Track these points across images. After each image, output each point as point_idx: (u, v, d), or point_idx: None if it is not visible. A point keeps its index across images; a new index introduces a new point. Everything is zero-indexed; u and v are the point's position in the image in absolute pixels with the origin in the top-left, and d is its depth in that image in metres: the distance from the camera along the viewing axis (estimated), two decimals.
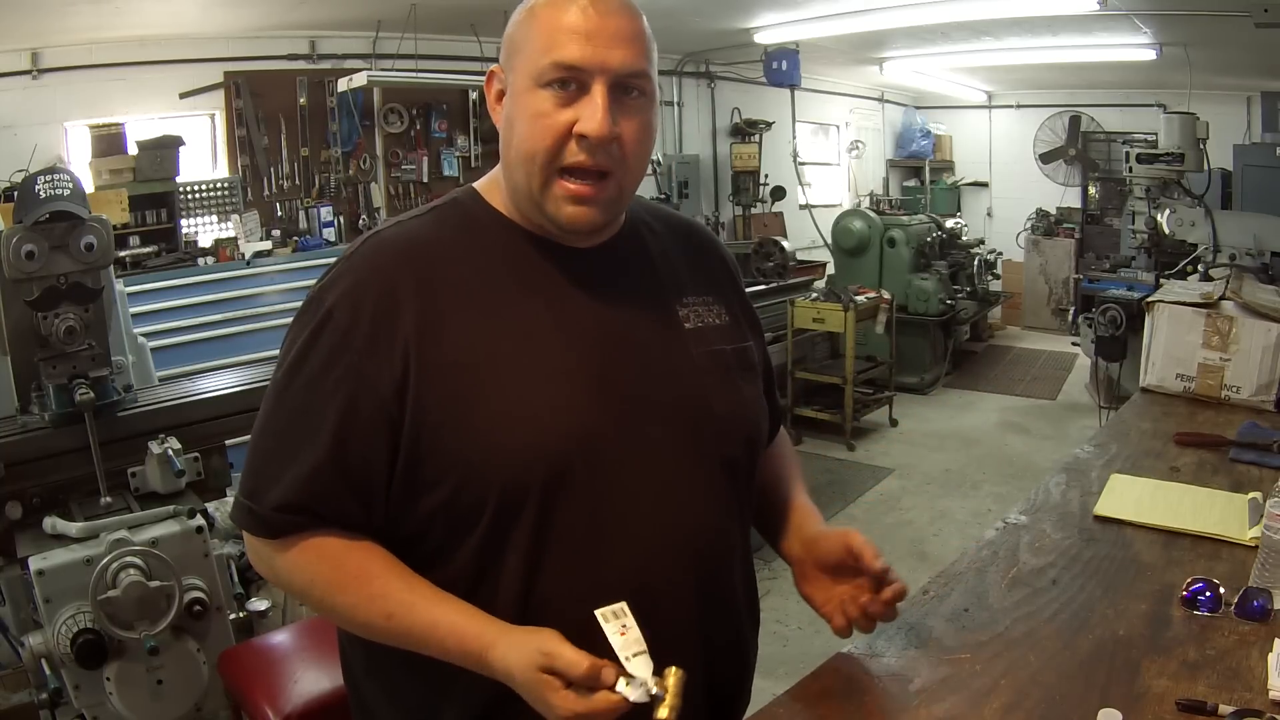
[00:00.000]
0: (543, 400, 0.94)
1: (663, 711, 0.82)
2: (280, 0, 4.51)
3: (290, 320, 0.99)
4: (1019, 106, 9.35)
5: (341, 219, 5.33)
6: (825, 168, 8.86)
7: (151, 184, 4.45)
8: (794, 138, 7.85)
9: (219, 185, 4.86)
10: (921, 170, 9.78)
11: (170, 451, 2.29)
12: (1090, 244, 7.73)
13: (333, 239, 5.21)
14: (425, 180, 5.68)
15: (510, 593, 0.94)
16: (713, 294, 1.11)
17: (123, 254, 4.12)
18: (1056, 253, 8.75)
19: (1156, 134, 4.87)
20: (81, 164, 4.30)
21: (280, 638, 2.05)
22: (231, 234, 4.80)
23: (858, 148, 9.13)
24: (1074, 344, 5.91)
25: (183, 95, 4.74)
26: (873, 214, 6.97)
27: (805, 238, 7.75)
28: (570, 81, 0.91)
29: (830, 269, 7.24)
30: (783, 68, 6.44)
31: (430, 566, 0.96)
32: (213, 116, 5.00)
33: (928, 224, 7.10)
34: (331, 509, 0.93)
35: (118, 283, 2.70)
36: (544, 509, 0.93)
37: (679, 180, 6.70)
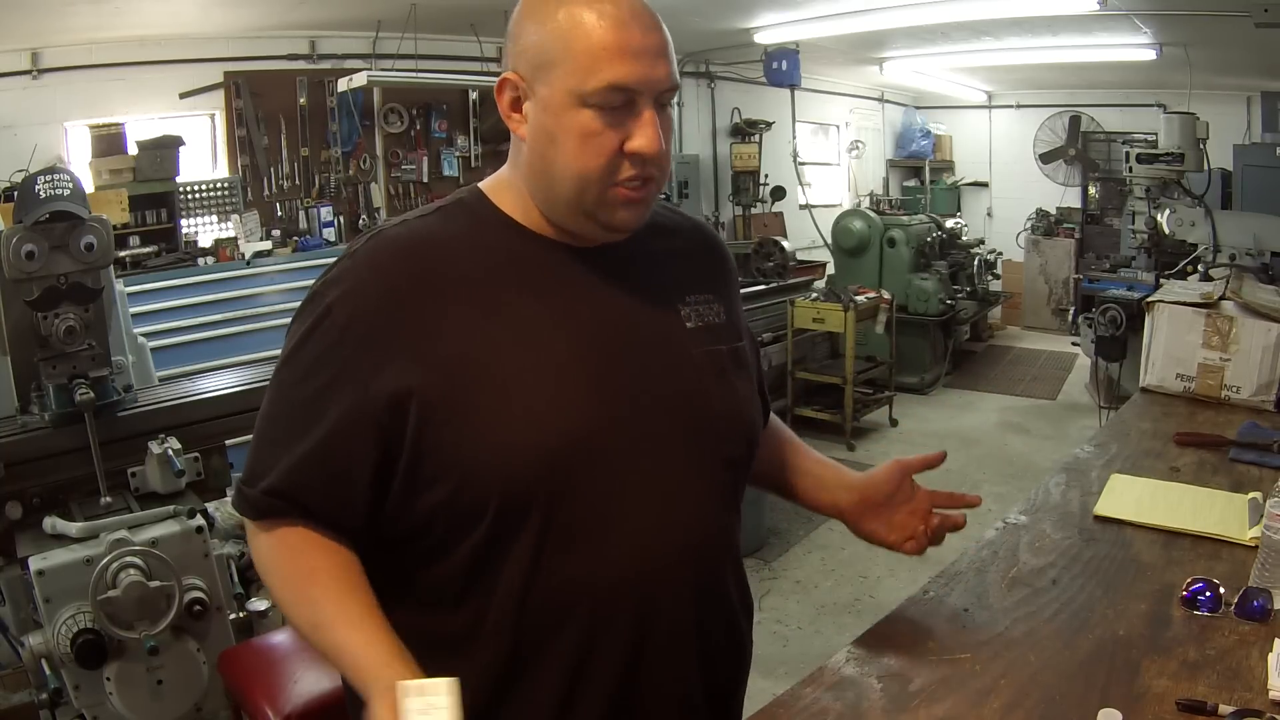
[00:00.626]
0: (545, 399, 0.94)
1: None
2: (280, 0, 4.51)
3: (283, 324, 1.00)
4: (1019, 106, 9.35)
5: (341, 219, 5.34)
6: (825, 168, 8.86)
7: (151, 184, 4.45)
8: (794, 138, 7.85)
9: (219, 185, 4.86)
10: (921, 170, 9.78)
11: (170, 451, 2.29)
12: (1090, 244, 7.73)
13: (333, 239, 5.21)
14: (425, 180, 5.68)
15: (510, 590, 0.94)
16: (713, 293, 1.12)
17: (123, 254, 4.13)
18: (1056, 253, 8.75)
19: (1156, 134, 4.87)
20: (81, 164, 4.30)
21: (280, 638, 2.05)
22: (231, 234, 4.80)
23: (858, 148, 9.13)
24: (1074, 344, 5.92)
25: (183, 95, 4.74)
26: (873, 214, 6.97)
27: (805, 238, 7.75)
28: (619, 100, 0.91)
29: (830, 269, 7.24)
30: (783, 68, 6.44)
31: (430, 563, 0.96)
32: (213, 116, 5.00)
33: (928, 224, 7.10)
34: (312, 501, 0.95)
35: (118, 283, 2.70)
36: (546, 507, 0.92)
37: (679, 180, 6.69)
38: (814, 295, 5.69)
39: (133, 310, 3.36)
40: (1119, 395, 4.51)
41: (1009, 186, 9.54)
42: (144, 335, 3.17)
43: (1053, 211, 8.98)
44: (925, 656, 1.15)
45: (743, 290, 1.29)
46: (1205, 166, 4.71)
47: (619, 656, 0.97)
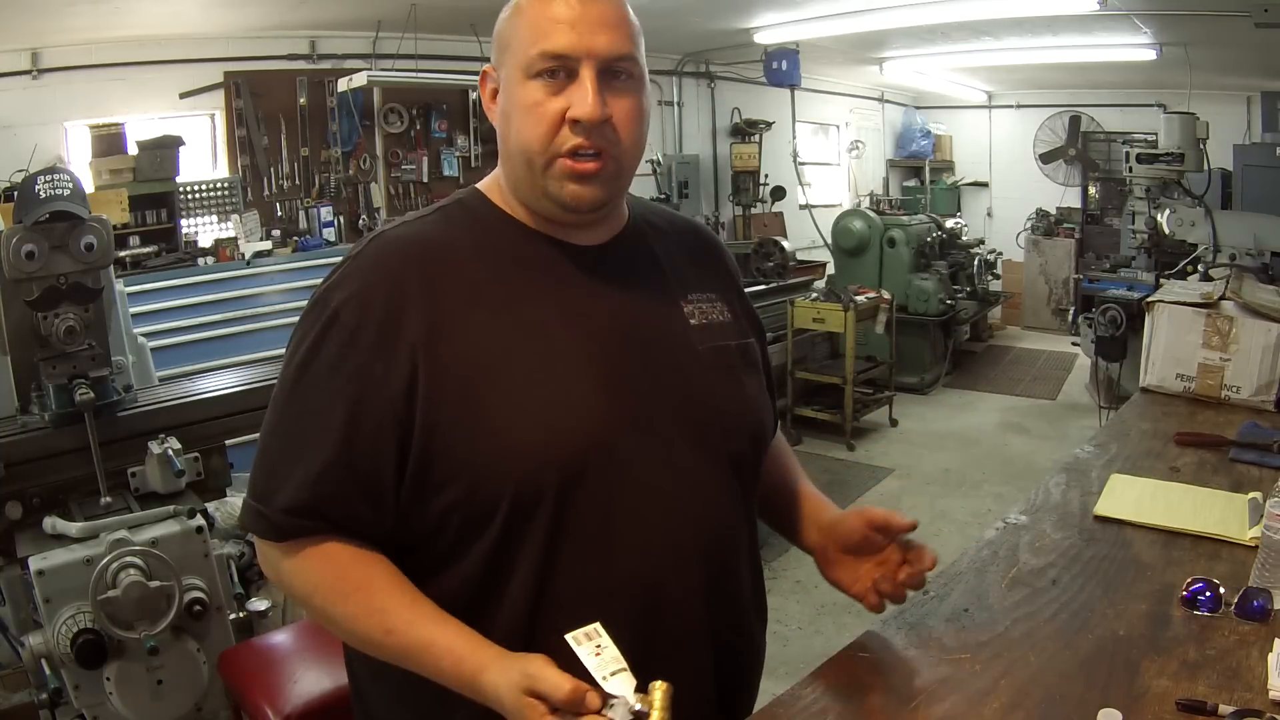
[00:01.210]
0: (555, 399, 0.94)
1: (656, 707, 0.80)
2: (280, 0, 4.51)
3: (291, 320, 0.99)
4: (1019, 106, 9.35)
5: (341, 219, 5.33)
6: (825, 168, 8.86)
7: (151, 184, 4.45)
8: (794, 138, 7.85)
9: (219, 185, 4.86)
10: (921, 170, 9.78)
11: (170, 451, 2.29)
12: (1090, 244, 7.73)
13: (333, 239, 5.21)
14: (425, 180, 5.68)
15: (522, 593, 0.94)
16: (715, 291, 1.12)
17: (123, 254, 4.12)
18: (1056, 253, 8.75)
19: (1156, 134, 4.87)
20: (81, 164, 4.30)
21: (280, 638, 2.06)
22: (231, 234, 4.80)
23: (858, 148, 9.13)
24: (1074, 344, 5.92)
25: (183, 95, 4.74)
26: (873, 214, 6.97)
27: (805, 238, 7.75)
28: (559, 70, 0.92)
29: (830, 269, 7.24)
30: (783, 68, 6.44)
31: (441, 566, 0.95)
32: (213, 116, 5.00)
33: (928, 224, 7.10)
34: (340, 511, 0.93)
35: (118, 283, 2.70)
36: (558, 508, 0.92)
37: (679, 180, 6.69)
38: (814, 295, 5.69)
39: (133, 310, 3.36)
40: (1119, 395, 4.51)
41: (1009, 186, 9.54)
42: (144, 335, 3.17)
43: (1053, 211, 8.99)
44: (925, 656, 1.15)
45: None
46: (1205, 166, 4.71)
47: (629, 655, 0.97)
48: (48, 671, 2.04)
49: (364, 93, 5.24)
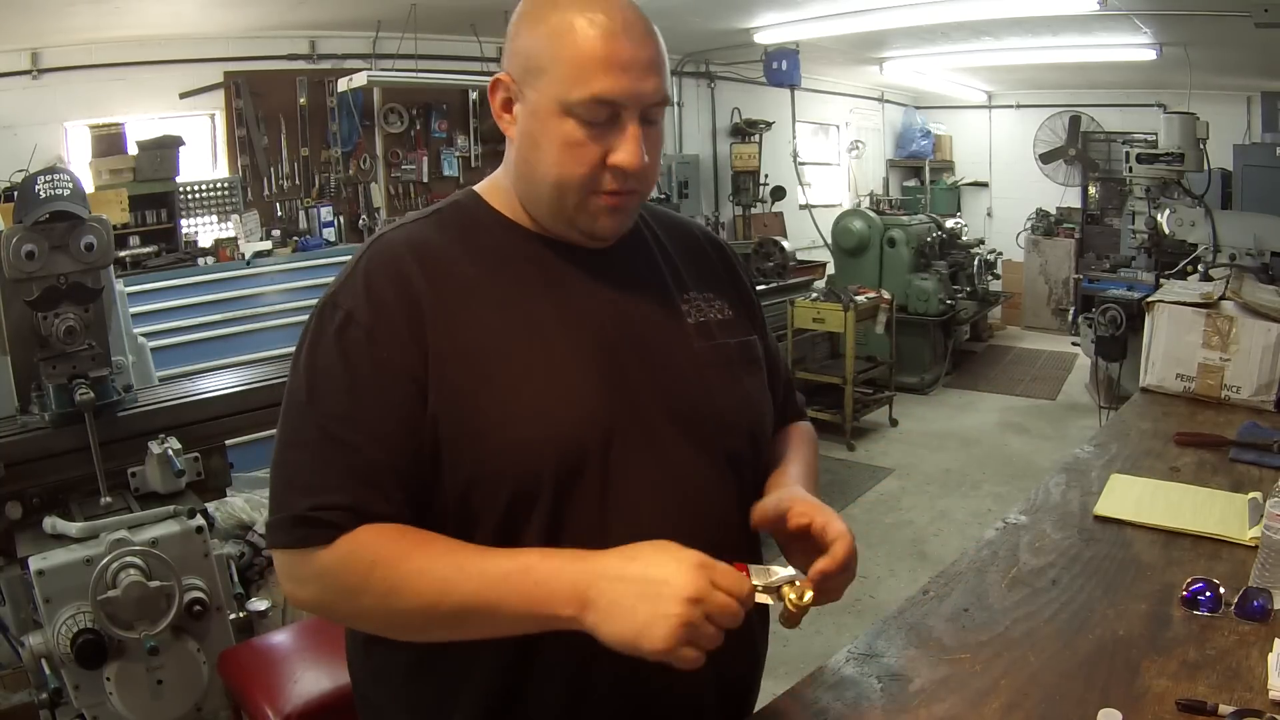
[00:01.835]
0: (554, 394, 0.94)
1: (793, 595, 0.92)
2: (280, 0, 4.51)
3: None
4: (1019, 106, 9.35)
5: (341, 219, 5.34)
6: (825, 168, 8.86)
7: (151, 184, 4.45)
8: (794, 138, 7.85)
9: (219, 185, 4.86)
10: (921, 170, 9.78)
11: (170, 451, 2.30)
12: (1090, 244, 7.73)
13: (333, 239, 5.21)
14: (425, 180, 5.68)
15: None
16: (713, 290, 1.12)
17: (123, 254, 4.13)
18: (1056, 253, 8.74)
19: (1156, 134, 4.87)
20: (81, 164, 4.30)
21: (280, 638, 2.05)
22: (231, 234, 4.80)
23: (858, 148, 9.14)
24: (1074, 344, 5.91)
25: (183, 95, 4.74)
26: (873, 214, 6.97)
27: (805, 238, 7.75)
28: (604, 113, 0.91)
29: (830, 269, 7.24)
30: (783, 68, 6.44)
31: None
32: (213, 116, 5.00)
33: (928, 224, 7.10)
34: (380, 511, 0.90)
35: (118, 283, 2.70)
36: (555, 504, 0.93)
37: (679, 180, 6.69)
38: (814, 295, 5.69)
39: (133, 310, 3.36)
40: (1119, 395, 4.51)
41: (1009, 186, 9.54)
42: (144, 335, 3.17)
43: (1053, 211, 8.98)
44: (925, 656, 1.15)
45: None
46: (1205, 166, 4.71)
47: (628, 661, 0.96)
48: (48, 671, 2.04)
49: (364, 93, 5.24)
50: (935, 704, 1.05)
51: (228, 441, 2.57)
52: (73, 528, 2.09)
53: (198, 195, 4.76)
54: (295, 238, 5.05)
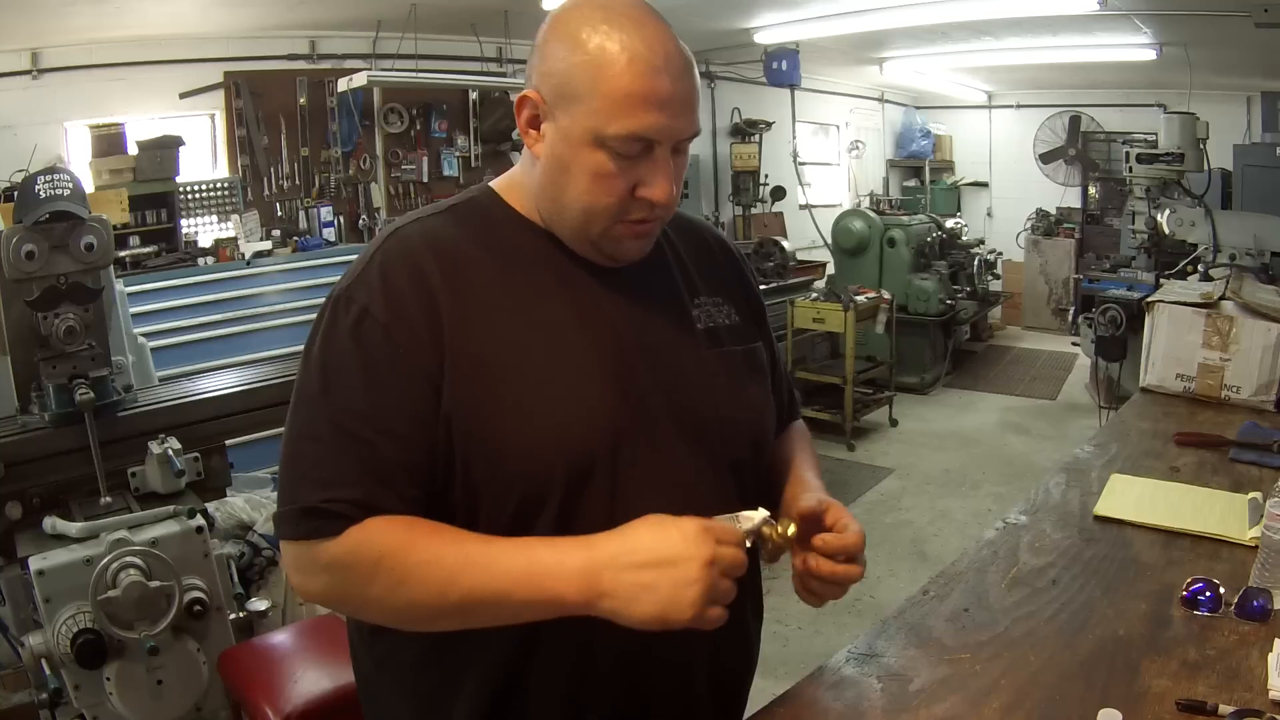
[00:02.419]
0: (568, 401, 0.94)
1: (777, 530, 0.95)
2: (280, 0, 4.51)
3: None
4: (1019, 106, 9.35)
5: (341, 219, 5.33)
6: (825, 168, 8.86)
7: (151, 184, 4.44)
8: (794, 138, 7.85)
9: (219, 185, 4.86)
10: (921, 170, 9.77)
11: (170, 451, 2.30)
12: (1090, 244, 7.73)
13: (333, 239, 5.21)
14: (425, 180, 5.68)
15: None
16: (722, 294, 1.12)
17: (123, 254, 4.12)
18: (1056, 253, 8.74)
19: (1156, 134, 4.87)
20: (81, 164, 4.30)
21: (280, 638, 2.06)
22: (231, 234, 4.80)
23: (858, 148, 9.13)
24: (1074, 344, 5.91)
25: (183, 95, 4.73)
26: (873, 214, 6.97)
27: (805, 238, 7.75)
28: (638, 149, 0.91)
29: (830, 269, 7.24)
30: (783, 68, 6.44)
31: None
32: (213, 116, 5.00)
33: (928, 224, 7.10)
34: (395, 508, 0.90)
35: (118, 283, 2.70)
36: (563, 507, 0.93)
37: None
38: (814, 295, 5.69)
39: (133, 310, 3.36)
40: (1119, 395, 4.51)
41: (1009, 186, 9.54)
42: (144, 335, 3.17)
43: (1053, 211, 8.98)
44: (925, 656, 1.15)
45: None
46: (1205, 166, 4.71)
47: (626, 654, 0.97)
48: (48, 671, 2.04)
49: (364, 93, 5.24)
50: (935, 704, 1.05)
51: (228, 441, 2.57)
52: (73, 528, 2.09)
53: (198, 195, 4.76)
54: (295, 238, 5.04)
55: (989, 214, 9.70)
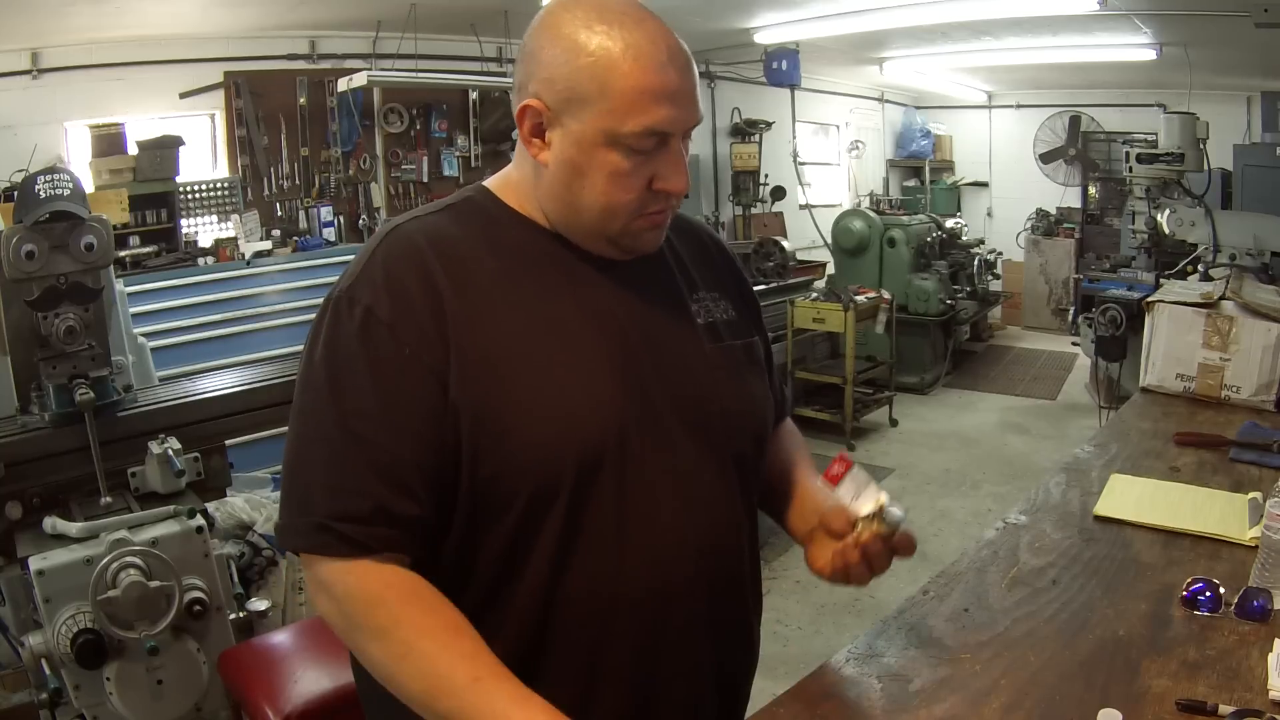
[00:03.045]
0: (575, 395, 0.94)
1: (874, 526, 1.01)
2: (280, 0, 4.51)
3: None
4: (1019, 106, 9.35)
5: (341, 219, 5.34)
6: (825, 168, 8.86)
7: (151, 184, 4.44)
8: (794, 138, 7.85)
9: (219, 185, 4.86)
10: (921, 170, 9.78)
11: (170, 451, 2.30)
12: (1090, 244, 7.73)
13: (333, 239, 5.21)
14: (425, 180, 5.68)
15: (534, 589, 0.94)
16: (719, 290, 1.13)
17: (123, 254, 4.12)
18: (1056, 253, 8.74)
19: (1156, 134, 4.87)
20: (81, 164, 4.30)
21: (280, 638, 2.06)
22: (231, 234, 4.80)
23: (858, 148, 9.13)
24: (1074, 344, 5.91)
25: (183, 95, 4.74)
26: (873, 214, 6.97)
27: (805, 238, 7.75)
28: (652, 142, 0.92)
29: (830, 269, 7.24)
30: (783, 68, 6.44)
31: (454, 561, 0.95)
32: (213, 116, 5.00)
33: (928, 224, 7.10)
34: (410, 511, 0.90)
35: (118, 283, 2.70)
36: (573, 504, 0.93)
37: None
38: (814, 295, 5.69)
39: (133, 310, 3.36)
40: (1119, 395, 4.51)
41: (1009, 186, 9.54)
42: (144, 335, 3.17)
43: (1053, 211, 8.98)
44: (925, 656, 1.15)
45: None
46: (1205, 166, 4.71)
47: (636, 650, 0.97)
48: (48, 671, 2.04)
49: (364, 93, 5.24)
50: (935, 704, 1.05)
51: (228, 441, 2.57)
52: (73, 528, 2.09)
53: (198, 195, 4.76)
54: (295, 238, 5.05)
55: (989, 214, 9.70)
